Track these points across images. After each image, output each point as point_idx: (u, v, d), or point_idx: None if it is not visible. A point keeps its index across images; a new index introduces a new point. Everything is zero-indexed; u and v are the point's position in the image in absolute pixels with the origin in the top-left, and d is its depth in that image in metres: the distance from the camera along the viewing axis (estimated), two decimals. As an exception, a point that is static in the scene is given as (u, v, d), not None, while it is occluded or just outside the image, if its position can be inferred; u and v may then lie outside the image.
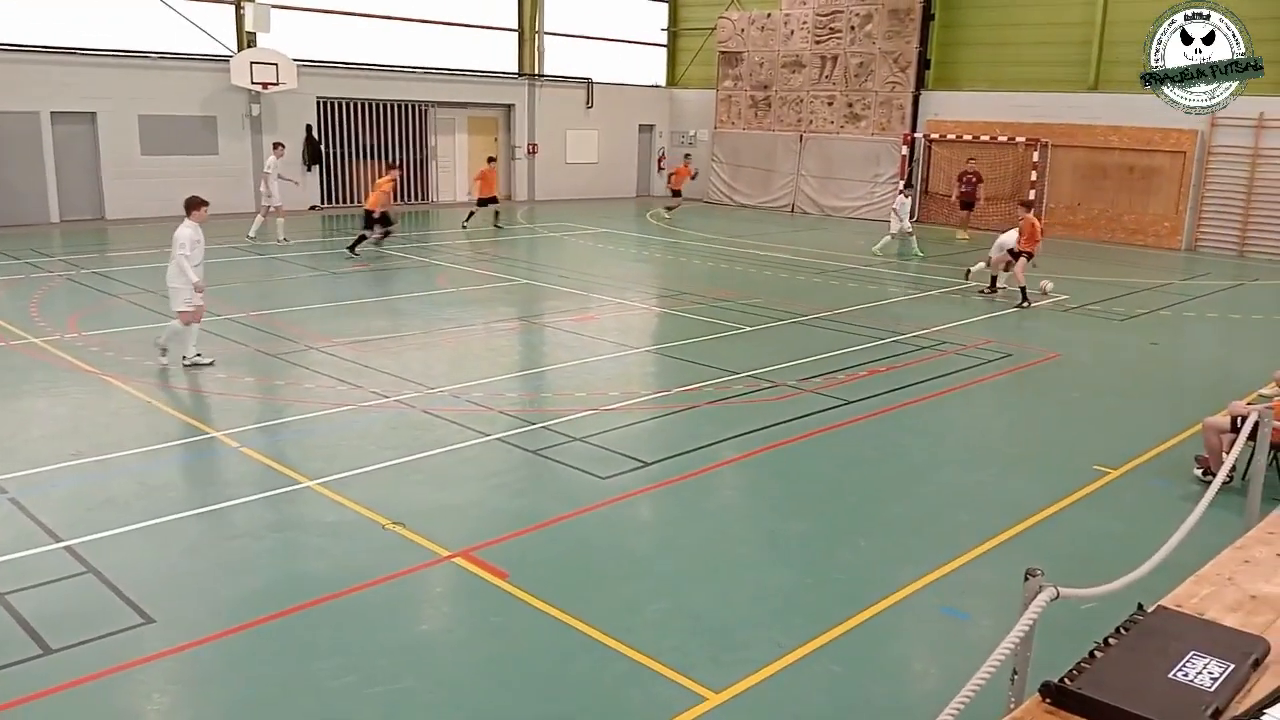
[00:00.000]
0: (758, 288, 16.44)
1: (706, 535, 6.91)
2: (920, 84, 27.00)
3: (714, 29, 31.15)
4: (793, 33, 29.03)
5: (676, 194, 26.27)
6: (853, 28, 27.75)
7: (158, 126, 22.31)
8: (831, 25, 28.22)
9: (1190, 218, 22.92)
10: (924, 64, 26.89)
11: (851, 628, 5.61)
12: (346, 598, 5.74)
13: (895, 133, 27.19)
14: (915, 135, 26.90)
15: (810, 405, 9.79)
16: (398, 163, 23.77)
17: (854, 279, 17.74)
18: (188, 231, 10.31)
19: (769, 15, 29.49)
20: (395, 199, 20.82)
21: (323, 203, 25.58)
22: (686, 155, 28.55)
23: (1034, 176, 24.40)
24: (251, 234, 19.84)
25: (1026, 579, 3.39)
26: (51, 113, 20.86)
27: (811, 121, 29.04)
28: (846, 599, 5.94)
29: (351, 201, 26.26)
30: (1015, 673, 3.40)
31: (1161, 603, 2.90)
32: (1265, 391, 9.40)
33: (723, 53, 30.76)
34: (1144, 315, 15.21)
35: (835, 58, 28.27)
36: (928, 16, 26.52)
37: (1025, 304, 15.48)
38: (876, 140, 27.62)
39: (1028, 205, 17.93)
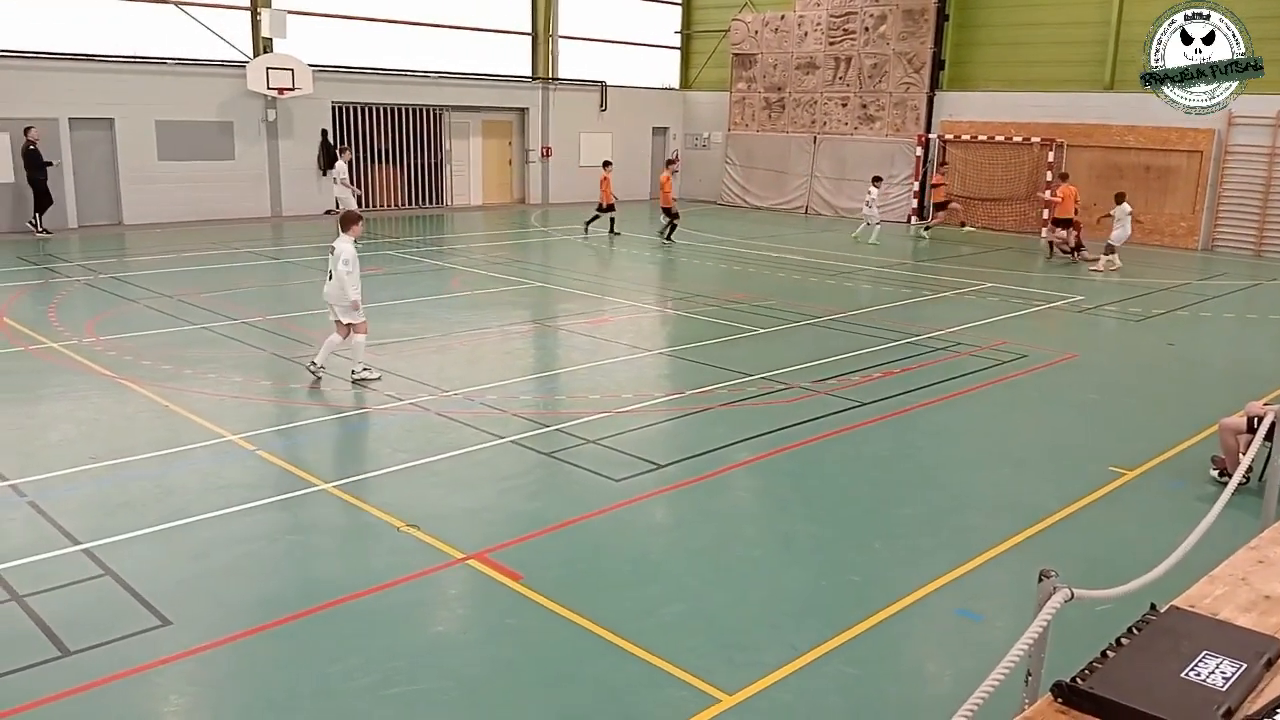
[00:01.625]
0: (771, 289, 16.43)
1: (720, 537, 6.91)
2: (935, 85, 26.94)
3: (727, 31, 31.16)
4: (806, 34, 29.01)
5: (671, 214, 22.75)
6: (866, 29, 27.71)
7: (175, 132, 22.49)
8: (845, 27, 28.18)
9: (1207, 217, 22.78)
10: (938, 64, 26.83)
11: (866, 629, 5.61)
12: (362, 600, 5.78)
13: (910, 134, 27.13)
14: (930, 136, 26.83)
15: (824, 407, 9.79)
16: (412, 166, 23.94)
17: (867, 280, 17.70)
18: (351, 248, 10.30)
19: (782, 17, 29.48)
20: (410, 202, 20.97)
21: (337, 207, 25.65)
22: (669, 161, 25.57)
23: (1049, 177, 24.28)
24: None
25: (1040, 580, 3.39)
26: (70, 119, 21.06)
27: (825, 123, 29.01)
28: (860, 601, 5.94)
29: (365, 206, 26.38)
30: (1029, 674, 3.39)
31: (1174, 603, 2.90)
32: None
33: (736, 55, 30.77)
34: (1161, 315, 15.12)
35: (849, 59, 28.23)
36: (942, 17, 26.46)
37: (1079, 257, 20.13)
38: (891, 141, 27.57)
39: (1063, 176, 21.04)
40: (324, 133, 25.02)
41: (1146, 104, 22.91)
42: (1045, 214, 22.38)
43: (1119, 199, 18.97)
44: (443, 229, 24.61)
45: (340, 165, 20.75)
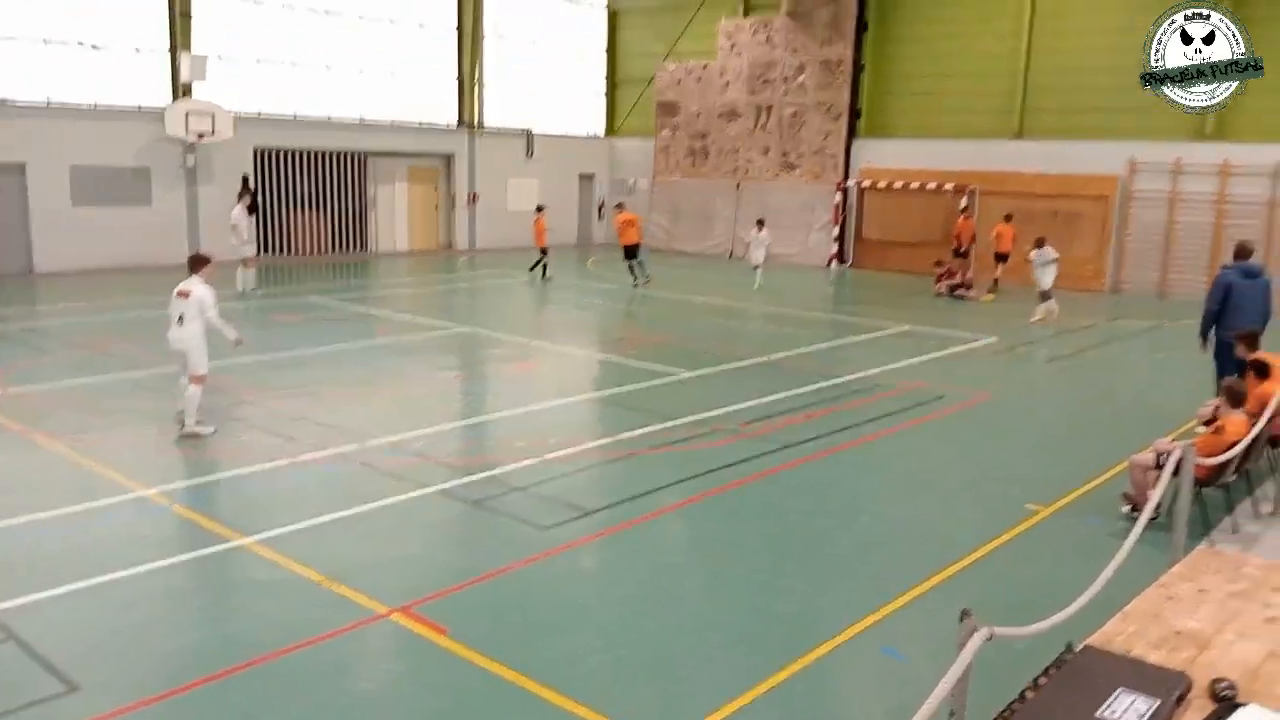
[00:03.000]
0: (697, 333, 16.58)
1: (649, 583, 6.89)
2: (852, 133, 27.67)
3: (652, 80, 31.66)
4: (728, 84, 29.62)
5: (543, 251, 23.20)
6: (786, 79, 28.41)
7: (90, 177, 21.95)
8: (765, 77, 28.86)
9: (1113, 260, 23.69)
10: (855, 113, 27.60)
11: (794, 671, 5.63)
12: (282, 658, 5.61)
13: (829, 180, 27.78)
14: (849, 183, 27.50)
15: (751, 449, 9.87)
16: (337, 212, 23.64)
17: (791, 324, 17.98)
18: (209, 290, 9.86)
19: (705, 67, 30.07)
20: (334, 248, 20.61)
21: (259, 253, 25.25)
22: (539, 207, 24.22)
23: (961, 220, 25.05)
24: (241, 288, 19.14)
25: (961, 620, 3.45)
26: (-23, 164, 20.44)
27: (747, 170, 29.56)
28: (789, 643, 5.96)
29: (288, 252, 26.03)
30: (952, 714, 3.44)
31: (1089, 641, 2.97)
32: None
33: (660, 103, 31.25)
34: (1071, 356, 15.62)
35: (770, 108, 28.88)
36: (858, 67, 27.27)
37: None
38: (811, 188, 28.19)
39: (1007, 217, 22.57)
40: (245, 178, 24.63)
41: (1054, 151, 23.97)
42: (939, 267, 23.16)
43: (1039, 244, 19.07)
44: (368, 275, 24.36)
45: (239, 210, 19.92)
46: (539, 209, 23.83)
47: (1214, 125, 22.03)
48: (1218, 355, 10.91)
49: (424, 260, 27.30)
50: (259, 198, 25.03)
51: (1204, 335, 11.15)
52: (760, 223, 23.80)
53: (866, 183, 27.29)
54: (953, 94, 25.80)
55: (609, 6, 33.33)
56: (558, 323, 17.79)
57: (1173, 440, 8.07)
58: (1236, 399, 8.06)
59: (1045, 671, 2.79)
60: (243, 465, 9.06)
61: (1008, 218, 22.71)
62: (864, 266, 27.36)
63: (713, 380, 13.17)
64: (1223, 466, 7.59)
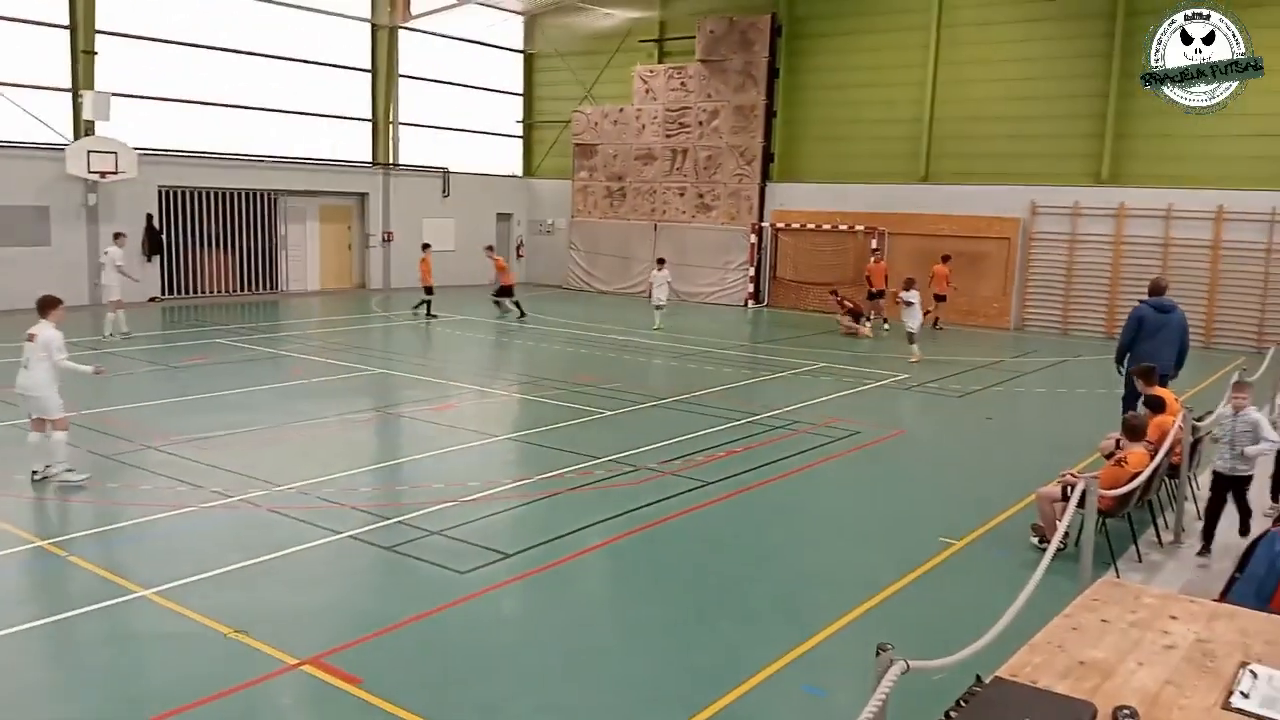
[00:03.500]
0: (617, 372, 16.60)
1: (570, 626, 6.81)
2: (766, 176, 28.26)
3: (569, 122, 31.89)
4: (644, 127, 30.00)
5: (428, 290, 23.21)
6: (700, 123, 28.91)
7: (-17, 216, 21.11)
8: (681, 120, 29.32)
9: (1017, 299, 24.52)
10: (769, 157, 28.20)
11: (716, 712, 5.61)
12: (187, 714, 5.38)
13: (744, 222, 28.26)
14: (763, 224, 28.01)
15: (671, 488, 9.88)
16: (246, 251, 23.29)
17: (710, 362, 18.13)
18: (57, 333, 9.55)
19: (621, 110, 30.43)
20: (242, 288, 20.22)
21: (164, 294, 24.60)
22: (425, 245, 24.66)
23: (872, 262, 25.69)
24: (108, 332, 18.44)
25: (878, 654, 3.49)
26: None
27: (665, 211, 29.90)
28: (710, 683, 5.94)
29: (195, 292, 25.38)
30: (870, 749, 3.46)
31: (997, 673, 3.03)
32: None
33: (577, 145, 31.48)
34: (980, 391, 16.07)
35: (685, 151, 29.33)
36: (770, 113, 27.91)
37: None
38: (726, 229, 28.62)
39: (945, 258, 23.58)
40: (149, 217, 24.02)
41: (958, 195, 24.82)
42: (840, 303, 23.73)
43: (908, 285, 18.72)
44: (278, 315, 23.84)
45: (115, 250, 18.92)
46: (425, 247, 24.12)
47: (1110, 170, 23.08)
48: (1127, 385, 11.29)
49: (336, 300, 26.86)
50: (164, 236, 24.39)
51: (1119, 363, 11.72)
52: (660, 261, 23.91)
53: (781, 224, 27.82)
54: (862, 139, 26.56)
55: (525, 50, 33.56)
56: (476, 363, 17.65)
57: (1078, 472, 8.33)
58: (1136, 433, 8.37)
59: (956, 704, 2.84)
60: (145, 514, 8.73)
61: (945, 259, 23.61)
62: (779, 306, 27.81)
63: (633, 419, 13.18)
64: (1126, 497, 7.85)
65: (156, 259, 24.28)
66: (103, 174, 22.28)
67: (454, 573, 7.54)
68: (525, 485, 10.01)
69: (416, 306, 23.22)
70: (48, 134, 22.26)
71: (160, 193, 24.22)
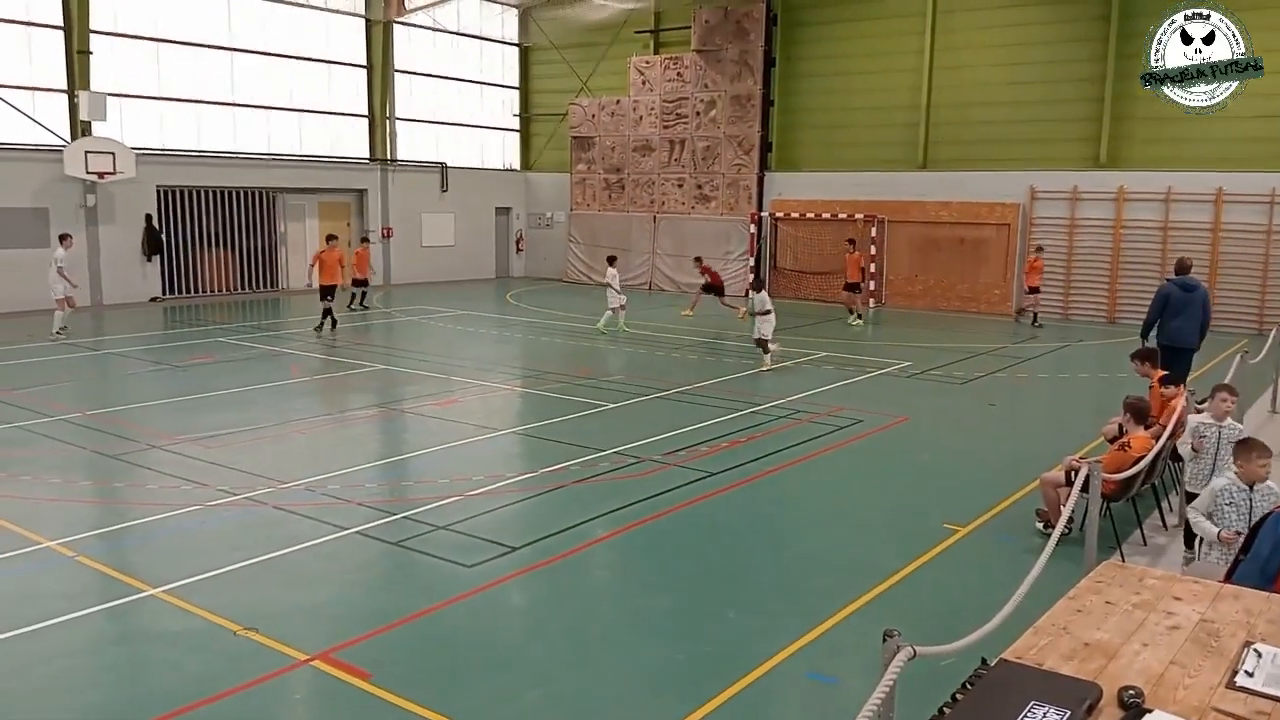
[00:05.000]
0: (619, 365, 16.62)
1: (576, 618, 6.84)
2: (764, 165, 28.22)
3: (566, 115, 31.86)
4: (641, 118, 29.97)
5: (360, 282, 23.76)
6: (698, 113, 28.88)
7: (-18, 219, 21.12)
8: (678, 111, 29.29)
9: (1018, 285, 24.50)
10: (766, 147, 28.16)
11: (724, 700, 5.63)
12: (198, 711, 5.41)
13: (743, 212, 28.23)
14: (762, 214, 27.99)
15: (675, 479, 9.90)
16: (245, 249, 23.44)
17: (711, 353, 18.15)
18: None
19: (618, 102, 30.39)
20: (242, 287, 20.35)
21: (164, 294, 24.62)
22: (364, 239, 25.90)
23: (873, 250, 25.70)
24: (55, 330, 18.46)
25: (885, 640, 3.51)
26: None
27: (664, 203, 29.88)
28: (717, 673, 5.97)
29: (195, 292, 25.40)
30: (879, 734, 3.49)
31: (1003, 655, 3.05)
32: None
33: (575, 137, 31.45)
34: (982, 378, 16.08)
35: (683, 141, 29.30)
36: (767, 102, 27.87)
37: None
38: (726, 220, 28.60)
39: (851, 241, 23.31)
40: (148, 217, 24.03)
41: (957, 181, 24.78)
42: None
43: (757, 287, 17.64)
44: (278, 313, 23.85)
45: (61, 253, 18.81)
46: (364, 240, 24.78)
47: (1108, 153, 23.05)
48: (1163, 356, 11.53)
49: (337, 297, 26.82)
50: (164, 236, 24.41)
51: (1143, 336, 12.44)
52: (611, 259, 22.07)
53: (780, 214, 27.81)
54: (859, 127, 26.52)
55: (520, 43, 33.51)
56: (477, 358, 17.67)
57: (1081, 457, 8.35)
58: (1141, 416, 8.38)
59: (962, 687, 2.86)
60: (152, 513, 8.76)
61: (851, 241, 23.57)
62: (780, 296, 27.69)
63: (636, 411, 13.21)
64: (1129, 482, 7.87)
65: (156, 259, 24.28)
66: (101, 174, 22.28)
67: (460, 566, 7.57)
68: (530, 479, 10.04)
69: (351, 303, 23.17)
70: (45, 135, 22.26)
71: (159, 192, 24.22)
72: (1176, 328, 12.15)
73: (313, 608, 6.89)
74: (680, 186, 29.55)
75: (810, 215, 27.07)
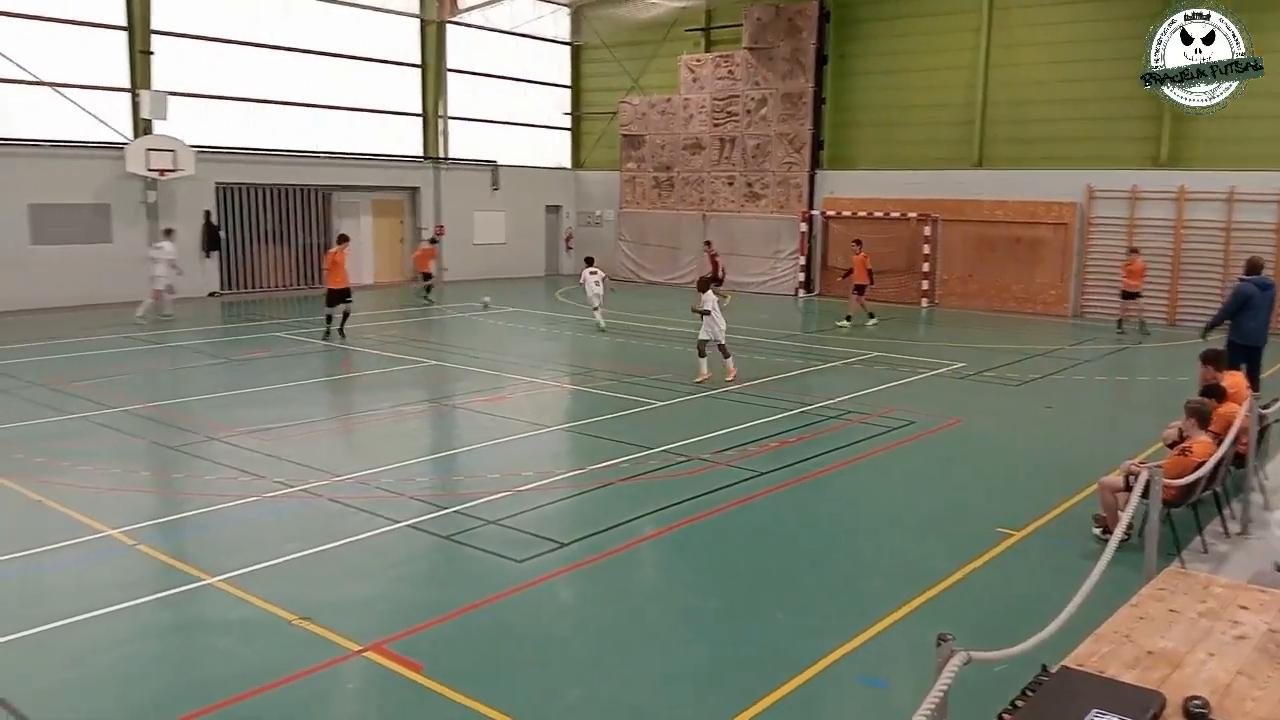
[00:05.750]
0: (667, 362, 16.60)
1: (624, 616, 6.85)
2: (815, 163, 28.02)
3: (616, 113, 31.90)
4: (692, 116, 29.92)
5: (426, 276, 25.73)
6: (748, 111, 28.75)
7: (49, 215, 21.70)
8: (728, 109, 29.20)
9: (1075, 285, 24.06)
10: (818, 144, 27.96)
11: (772, 703, 5.60)
12: (252, 699, 5.51)
13: (794, 210, 28.06)
14: (813, 212, 27.80)
15: (724, 478, 9.87)
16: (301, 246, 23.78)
17: (760, 351, 18.06)
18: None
19: (668, 100, 30.36)
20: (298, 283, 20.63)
21: (222, 289, 25.09)
22: (433, 240, 27.43)
23: (926, 250, 25.40)
24: (138, 312, 19.73)
25: (938, 644, 3.46)
26: (-67, 203, 20.14)
27: (713, 201, 29.80)
28: (765, 674, 5.94)
29: (252, 287, 25.84)
30: (932, 739, 3.44)
31: (1064, 663, 2.99)
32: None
33: (625, 135, 31.48)
34: (1038, 380, 15.81)
35: (733, 140, 29.19)
36: (820, 100, 27.66)
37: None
38: (776, 218, 28.45)
39: (858, 243, 22.50)
40: (207, 214, 24.50)
41: (1014, 179, 24.39)
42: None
43: (703, 286, 15.27)
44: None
45: (168, 245, 20.41)
46: (432, 240, 24.98)
47: (1169, 152, 22.53)
48: (1230, 352, 11.49)
49: (389, 293, 27.20)
50: (222, 233, 24.88)
51: (1205, 334, 12.53)
52: (589, 260, 21.41)
53: (831, 212, 27.59)
54: (913, 125, 26.22)
55: (572, 42, 33.62)
56: (526, 355, 17.76)
57: (1140, 462, 8.18)
58: (1203, 420, 8.18)
59: (1022, 694, 2.81)
60: (210, 503, 8.94)
61: (858, 242, 22.76)
62: (831, 295, 27.59)
63: (684, 409, 13.19)
64: (1190, 487, 7.68)
65: (215, 254, 24.76)
66: (161, 172, 22.77)
67: (511, 561, 7.62)
68: (579, 475, 10.07)
69: (426, 294, 23.17)
70: (108, 133, 22.79)
71: (218, 189, 24.70)
72: (1253, 328, 12.32)
73: (366, 599, 6.97)
74: (730, 185, 29.45)
75: (862, 214, 26.82)
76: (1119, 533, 5.95)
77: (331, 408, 12.82)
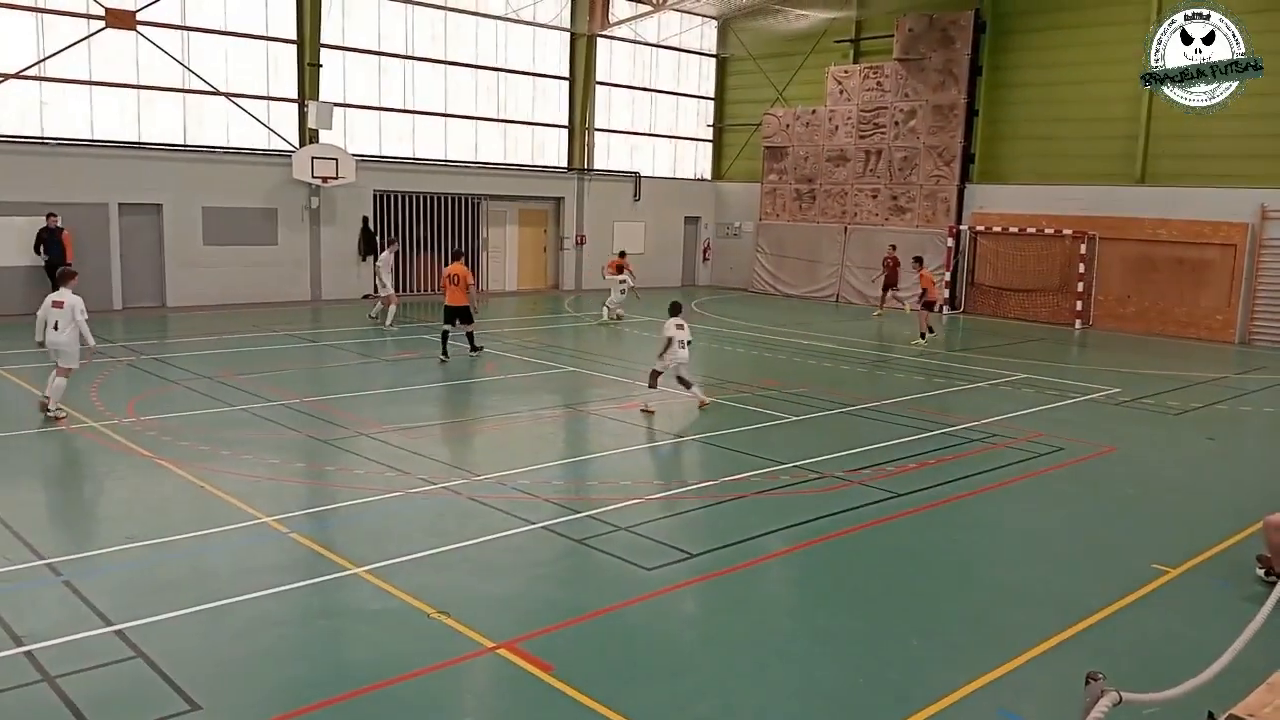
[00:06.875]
0: (803, 377, 16.42)
1: (753, 630, 6.79)
2: (965, 177, 27.24)
3: (759, 125, 31.80)
4: (837, 128, 29.55)
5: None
6: (896, 123, 28.20)
7: (220, 218, 23.13)
8: (875, 121, 28.70)
9: (1243, 310, 22.62)
10: (968, 158, 27.17)
11: (904, 730, 5.46)
12: (392, 687, 5.71)
13: (940, 224, 27.34)
14: (960, 227, 27.02)
15: (859, 498, 9.68)
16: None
17: (900, 369, 17.66)
18: (78, 299, 11.64)
19: (813, 112, 30.08)
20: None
21: (376, 292, 26.14)
22: (621, 253, 24.72)
23: (1081, 269, 24.34)
24: (384, 321, 20.94)
25: (1088, 683, 3.31)
26: (119, 204, 21.72)
27: (856, 214, 29.34)
28: (898, 700, 5.79)
29: (405, 291, 26.85)
30: (1077, 781, 3.29)
31: (1233, 711, 2.82)
32: None
33: (768, 147, 31.34)
34: (1200, 409, 14.92)
35: (879, 152, 28.67)
36: (971, 112, 26.91)
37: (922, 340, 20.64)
38: (922, 232, 27.77)
39: (919, 261, 22.53)
40: (365, 220, 25.63)
41: (1179, 197, 23.12)
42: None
43: (675, 309, 14.04)
44: (479, 314, 24.85)
45: (387, 255, 21.64)
46: (621, 253, 24.19)
47: (1355, 170, 20.95)
48: None
49: (531, 300, 27.83)
50: (378, 238, 25.97)
51: None
52: (622, 254, 22.79)
53: (980, 227, 26.76)
54: (1070, 139, 25.20)
55: (718, 54, 33.71)
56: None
57: (1313, 501, 7.63)
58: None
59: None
60: (358, 495, 9.33)
61: (918, 260, 22.54)
62: (977, 312, 26.76)
63: (819, 425, 13.01)
64: (1370, 531, 7.12)
65: (370, 259, 25.85)
66: (324, 179, 23.97)
67: (640, 569, 7.66)
68: (710, 487, 10.05)
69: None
70: (277, 142, 24.14)
71: (375, 196, 25.81)
72: None
73: (500, 597, 7.14)
74: (874, 197, 28.93)
75: (1014, 230, 25.91)
76: (1290, 576, 5.56)
77: (473, 408, 13.21)
